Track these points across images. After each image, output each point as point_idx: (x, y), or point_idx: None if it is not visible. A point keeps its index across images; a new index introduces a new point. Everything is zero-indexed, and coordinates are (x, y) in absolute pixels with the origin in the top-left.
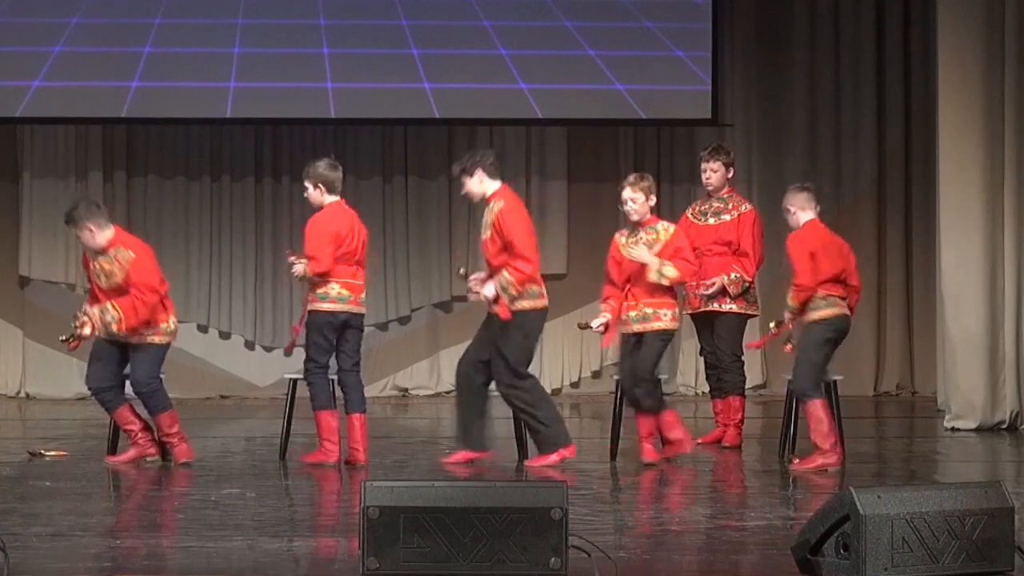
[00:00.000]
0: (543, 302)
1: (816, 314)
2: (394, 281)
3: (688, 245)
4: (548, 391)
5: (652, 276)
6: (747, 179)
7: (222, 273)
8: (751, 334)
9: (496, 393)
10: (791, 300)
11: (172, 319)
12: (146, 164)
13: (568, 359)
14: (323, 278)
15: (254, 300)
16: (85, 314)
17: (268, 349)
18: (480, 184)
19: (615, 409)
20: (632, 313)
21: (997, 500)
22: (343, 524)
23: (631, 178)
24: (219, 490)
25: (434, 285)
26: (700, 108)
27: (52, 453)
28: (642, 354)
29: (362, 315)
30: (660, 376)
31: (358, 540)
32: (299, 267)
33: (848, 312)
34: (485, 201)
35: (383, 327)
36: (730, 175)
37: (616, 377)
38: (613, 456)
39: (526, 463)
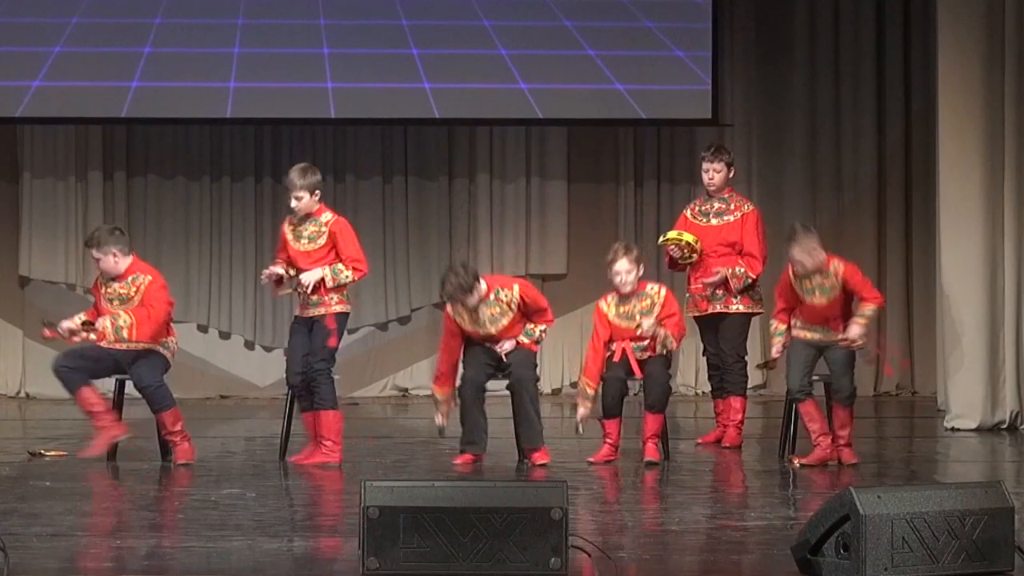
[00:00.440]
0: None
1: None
2: (394, 281)
3: (679, 308)
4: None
5: (657, 348)
6: (747, 179)
7: (222, 273)
8: (754, 333)
9: (496, 393)
10: (873, 314)
11: (173, 339)
12: (146, 164)
13: (568, 359)
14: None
15: (254, 300)
16: (95, 325)
17: (268, 349)
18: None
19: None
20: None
21: (997, 500)
22: (343, 524)
23: (622, 249)
24: (219, 490)
25: (434, 285)
26: (700, 108)
27: (52, 453)
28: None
29: None
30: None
31: (358, 540)
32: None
33: None
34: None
35: (383, 327)
36: (731, 175)
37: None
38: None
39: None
